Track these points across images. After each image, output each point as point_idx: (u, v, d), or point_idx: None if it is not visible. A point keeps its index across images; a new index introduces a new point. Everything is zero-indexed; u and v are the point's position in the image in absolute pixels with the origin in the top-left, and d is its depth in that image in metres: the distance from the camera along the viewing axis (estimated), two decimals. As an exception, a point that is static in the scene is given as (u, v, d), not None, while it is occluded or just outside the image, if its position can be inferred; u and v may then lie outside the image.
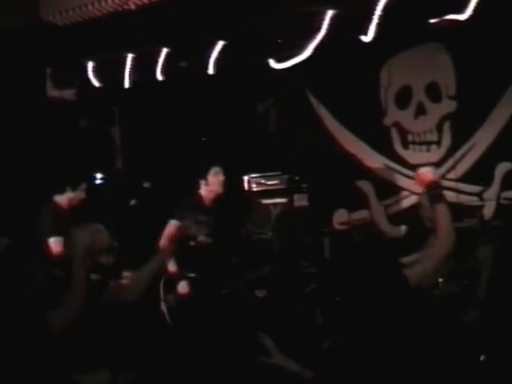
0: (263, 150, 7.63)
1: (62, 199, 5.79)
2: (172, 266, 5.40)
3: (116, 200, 7.86)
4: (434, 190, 3.28)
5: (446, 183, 6.69)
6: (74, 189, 5.79)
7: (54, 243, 5.43)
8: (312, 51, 6.29)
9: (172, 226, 5.58)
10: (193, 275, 5.56)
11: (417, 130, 6.96)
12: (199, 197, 5.90)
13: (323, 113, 7.47)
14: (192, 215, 5.70)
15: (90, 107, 8.05)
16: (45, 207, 5.79)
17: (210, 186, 5.87)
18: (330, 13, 6.00)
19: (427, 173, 3.39)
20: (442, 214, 3.14)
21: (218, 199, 5.96)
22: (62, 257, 5.31)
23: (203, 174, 5.87)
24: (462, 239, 5.30)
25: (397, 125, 7.07)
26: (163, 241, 5.19)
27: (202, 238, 5.76)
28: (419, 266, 3.03)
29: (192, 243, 5.75)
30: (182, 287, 5.46)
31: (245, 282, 5.73)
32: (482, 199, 6.47)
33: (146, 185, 7.85)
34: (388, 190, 7.10)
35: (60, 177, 6.22)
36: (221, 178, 5.89)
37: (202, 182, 5.87)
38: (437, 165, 6.79)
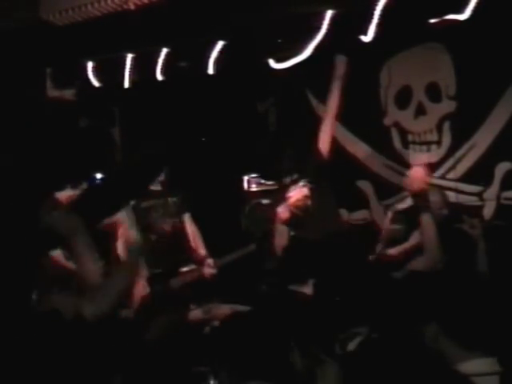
0: (263, 150, 7.63)
1: (62, 195, 5.83)
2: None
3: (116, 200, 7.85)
4: (421, 197, 3.16)
5: (445, 183, 6.70)
6: (74, 187, 5.83)
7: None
8: (312, 51, 6.29)
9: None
10: (158, 271, 5.30)
11: (417, 130, 6.96)
12: None
13: (323, 113, 7.47)
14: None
15: (90, 107, 8.05)
16: (45, 202, 5.83)
17: None
18: (329, 13, 6.01)
19: (420, 172, 3.25)
20: (428, 223, 3.02)
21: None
22: None
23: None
24: (463, 239, 5.32)
25: (397, 125, 7.07)
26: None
27: (161, 224, 5.55)
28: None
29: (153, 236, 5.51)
30: (143, 288, 5.07)
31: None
32: (482, 199, 6.47)
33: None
34: (388, 189, 7.10)
35: (62, 174, 6.24)
36: None
37: None
38: (437, 165, 6.80)
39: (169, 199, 5.71)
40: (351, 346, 2.41)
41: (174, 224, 5.58)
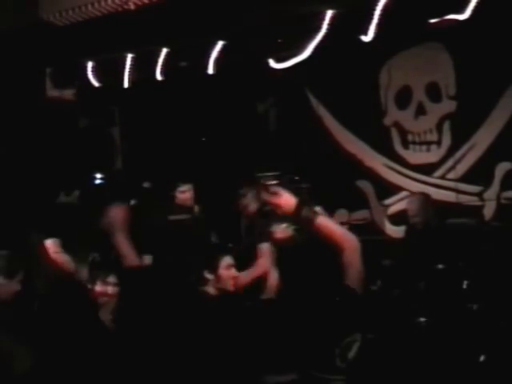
0: (263, 150, 7.63)
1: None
2: None
3: (116, 200, 7.85)
4: (303, 212, 3.01)
5: (445, 183, 6.70)
6: (67, 194, 5.76)
7: (50, 244, 5.52)
8: (312, 51, 6.29)
9: None
10: None
11: (417, 130, 6.96)
12: None
13: (323, 113, 7.48)
14: None
15: (90, 107, 8.05)
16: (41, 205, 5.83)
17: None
18: (329, 13, 6.00)
19: (289, 198, 3.08)
20: (327, 222, 2.92)
21: None
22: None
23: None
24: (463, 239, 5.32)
25: (397, 125, 7.07)
26: None
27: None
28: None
29: None
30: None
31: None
32: (482, 199, 6.47)
33: (146, 185, 7.86)
34: (388, 190, 7.10)
35: (55, 182, 6.19)
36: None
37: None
38: (437, 165, 6.80)
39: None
40: (351, 354, 2.34)
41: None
